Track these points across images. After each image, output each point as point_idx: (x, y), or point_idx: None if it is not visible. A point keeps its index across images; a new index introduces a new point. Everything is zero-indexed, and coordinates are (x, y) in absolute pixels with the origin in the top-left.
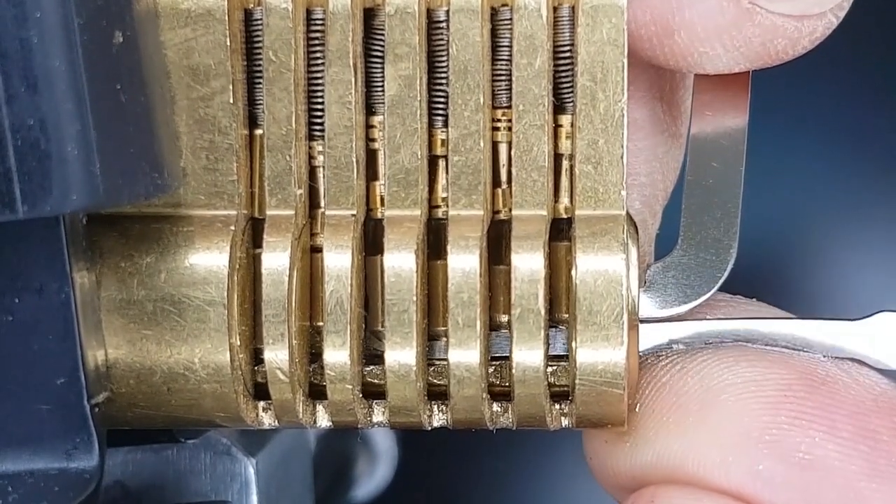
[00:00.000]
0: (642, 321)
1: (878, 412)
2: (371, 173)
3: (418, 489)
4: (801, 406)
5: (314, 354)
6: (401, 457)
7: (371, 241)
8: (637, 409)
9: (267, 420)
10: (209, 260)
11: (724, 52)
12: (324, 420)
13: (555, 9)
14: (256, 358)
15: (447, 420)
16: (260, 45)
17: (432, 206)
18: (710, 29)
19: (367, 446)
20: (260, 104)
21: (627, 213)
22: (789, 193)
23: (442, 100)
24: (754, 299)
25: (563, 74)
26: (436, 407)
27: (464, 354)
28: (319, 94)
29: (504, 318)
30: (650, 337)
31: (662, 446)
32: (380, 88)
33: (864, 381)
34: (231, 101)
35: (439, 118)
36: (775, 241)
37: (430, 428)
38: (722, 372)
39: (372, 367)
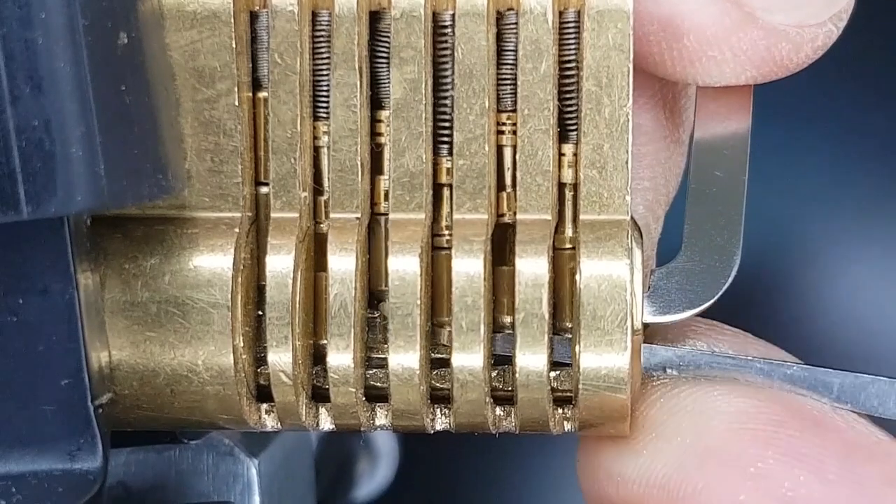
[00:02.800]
0: (646, 326)
1: (869, 459)
2: (376, 177)
3: (419, 489)
4: (790, 443)
5: (317, 357)
6: (402, 457)
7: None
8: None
9: (270, 422)
10: (213, 262)
11: (731, 56)
12: (326, 423)
13: (560, 13)
14: (260, 360)
15: (450, 424)
16: (265, 47)
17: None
18: (717, 31)
19: (368, 447)
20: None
21: (632, 218)
22: (792, 200)
23: (447, 103)
24: (738, 329)
25: (569, 79)
26: (438, 410)
27: (467, 358)
28: (325, 96)
29: (507, 320)
30: (644, 359)
31: (648, 462)
32: (385, 92)
33: (861, 428)
34: (236, 103)
35: (444, 122)
36: (778, 248)
37: (432, 431)
38: (716, 399)
39: (375, 369)
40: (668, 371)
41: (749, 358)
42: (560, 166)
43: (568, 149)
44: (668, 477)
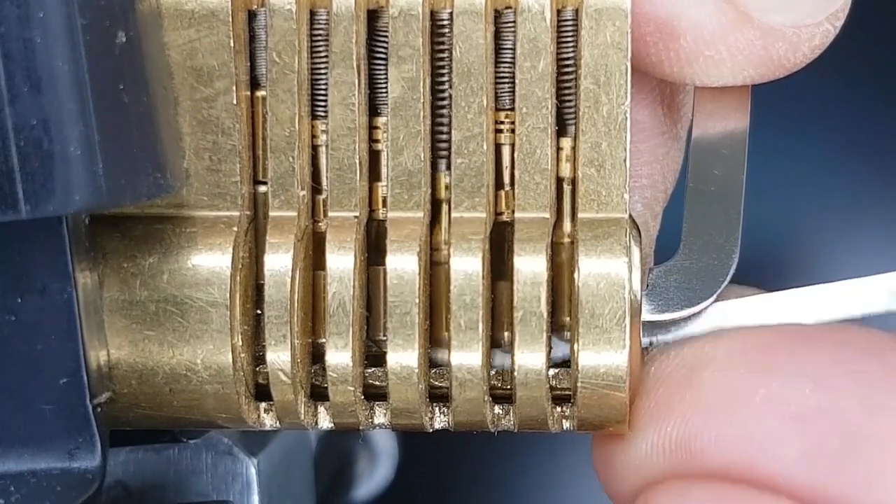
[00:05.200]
0: (644, 324)
1: (866, 355)
2: (374, 175)
3: (419, 489)
4: (786, 362)
5: (316, 356)
6: (401, 457)
7: (374, 247)
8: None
9: (268, 421)
10: (212, 261)
11: (728, 56)
12: (325, 421)
13: (558, 11)
14: (258, 359)
15: (449, 422)
16: (263, 46)
17: (434, 209)
18: (714, 31)
19: (367, 446)
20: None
21: (630, 216)
22: (790, 199)
23: (445, 102)
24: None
25: (567, 77)
26: (437, 409)
27: (466, 357)
28: (323, 95)
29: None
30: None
31: (656, 434)
32: (383, 90)
33: (854, 329)
34: (234, 102)
35: (442, 120)
36: (776, 247)
37: (431, 430)
38: (703, 347)
39: (374, 368)
40: (654, 343)
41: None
42: (558, 161)
43: (566, 143)
44: (679, 440)
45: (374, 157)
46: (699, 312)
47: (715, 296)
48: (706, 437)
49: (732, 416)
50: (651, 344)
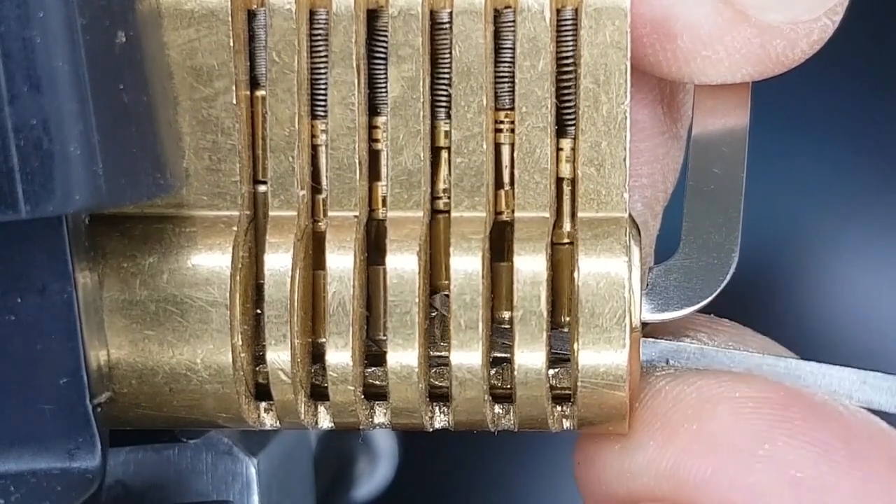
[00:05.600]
0: (644, 324)
1: (873, 444)
2: (374, 175)
3: (419, 489)
4: (797, 427)
5: (316, 355)
6: (401, 457)
7: (374, 247)
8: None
9: (268, 421)
10: (211, 260)
11: (726, 55)
12: (325, 421)
13: (558, 11)
14: (258, 359)
15: (449, 422)
16: (263, 45)
17: (434, 209)
18: (710, 31)
19: (367, 446)
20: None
21: (630, 216)
22: (790, 198)
23: (445, 101)
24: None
25: (566, 77)
26: (437, 408)
27: (466, 356)
28: (323, 95)
29: (506, 314)
30: (646, 351)
31: (655, 452)
32: (383, 90)
33: (862, 416)
34: (234, 101)
35: (442, 120)
36: (776, 246)
37: (431, 429)
38: (720, 386)
39: (374, 368)
40: (671, 362)
41: (750, 351)
42: (558, 160)
43: (566, 143)
44: (677, 466)
45: (373, 156)
46: (732, 354)
47: (714, 295)
48: (703, 473)
49: (733, 461)
50: (668, 362)
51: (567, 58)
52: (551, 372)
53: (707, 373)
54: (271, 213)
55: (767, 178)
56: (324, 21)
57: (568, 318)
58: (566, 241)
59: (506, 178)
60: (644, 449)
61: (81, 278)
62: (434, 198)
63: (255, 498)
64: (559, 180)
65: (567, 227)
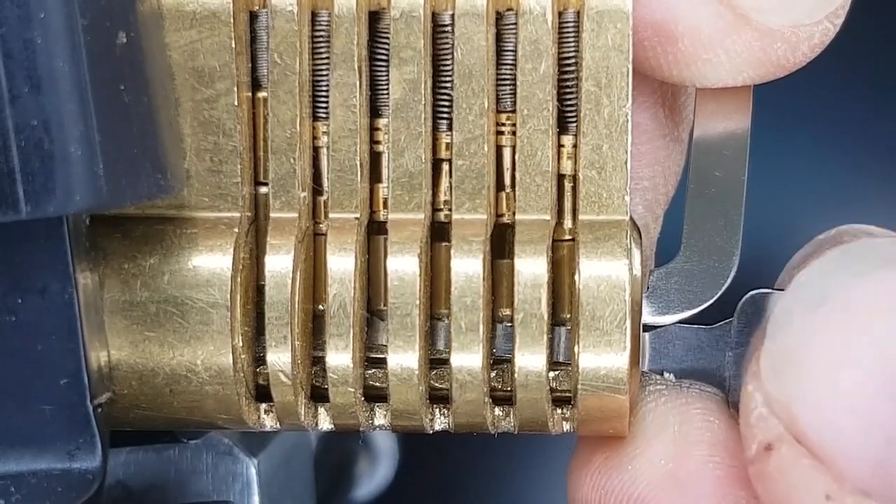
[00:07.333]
0: (645, 327)
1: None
2: (375, 177)
3: (418, 489)
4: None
5: (316, 357)
6: (401, 457)
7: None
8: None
9: (269, 422)
10: (212, 262)
11: (727, 58)
12: (325, 422)
13: (560, 14)
14: (259, 360)
15: (449, 424)
16: (265, 47)
17: (435, 210)
18: (711, 34)
19: (367, 446)
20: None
21: (631, 219)
22: (791, 201)
23: (446, 104)
24: None
25: (568, 79)
26: (437, 410)
27: (466, 358)
28: (324, 96)
29: (506, 313)
30: (646, 351)
31: (629, 477)
32: (384, 92)
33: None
34: (235, 103)
35: (444, 122)
36: (777, 249)
37: (431, 431)
38: (699, 427)
39: (374, 369)
40: (666, 375)
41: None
42: (559, 163)
43: (567, 145)
44: (644, 500)
45: (375, 158)
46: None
47: (715, 298)
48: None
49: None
50: (662, 371)
51: (569, 60)
52: (552, 374)
53: (694, 401)
54: (272, 215)
55: (769, 182)
56: (325, 23)
57: (569, 316)
58: (567, 237)
59: (507, 181)
60: (644, 455)
61: (82, 279)
62: (435, 208)
63: (256, 498)
64: (560, 183)
65: (568, 223)
